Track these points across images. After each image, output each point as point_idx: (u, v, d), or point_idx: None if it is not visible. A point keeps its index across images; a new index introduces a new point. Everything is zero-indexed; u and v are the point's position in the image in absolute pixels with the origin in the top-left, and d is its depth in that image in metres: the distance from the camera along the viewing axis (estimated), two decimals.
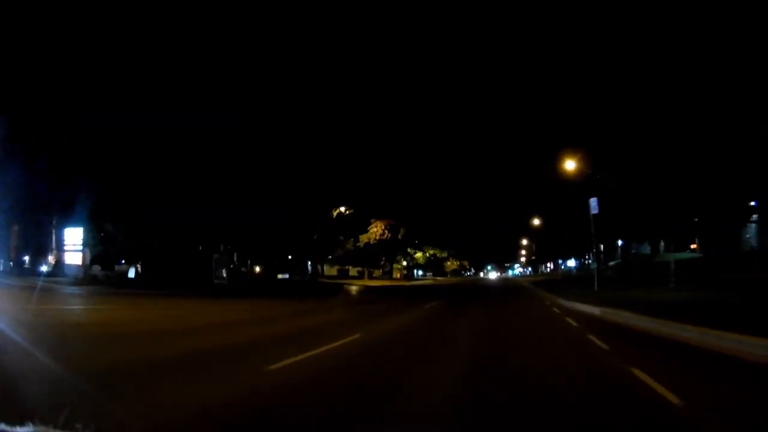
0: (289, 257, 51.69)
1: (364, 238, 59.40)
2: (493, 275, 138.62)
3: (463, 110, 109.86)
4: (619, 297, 18.36)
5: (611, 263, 63.74)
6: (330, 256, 61.09)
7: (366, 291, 36.20)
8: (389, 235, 60.79)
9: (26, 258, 59.75)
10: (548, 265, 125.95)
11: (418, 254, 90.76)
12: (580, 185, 45.90)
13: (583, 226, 54.46)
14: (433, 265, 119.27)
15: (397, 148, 77.69)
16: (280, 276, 52.70)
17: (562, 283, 35.91)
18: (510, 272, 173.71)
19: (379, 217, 59.88)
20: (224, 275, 41.00)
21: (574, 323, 13.83)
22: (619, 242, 75.61)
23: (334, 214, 52.01)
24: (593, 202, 23.51)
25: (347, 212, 52.53)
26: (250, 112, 43.27)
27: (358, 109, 66.01)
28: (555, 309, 18.90)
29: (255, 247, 47.12)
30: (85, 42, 39.23)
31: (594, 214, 23.53)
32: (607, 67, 40.83)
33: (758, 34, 24.45)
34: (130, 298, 25.67)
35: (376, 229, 59.60)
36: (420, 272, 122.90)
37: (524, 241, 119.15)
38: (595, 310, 15.98)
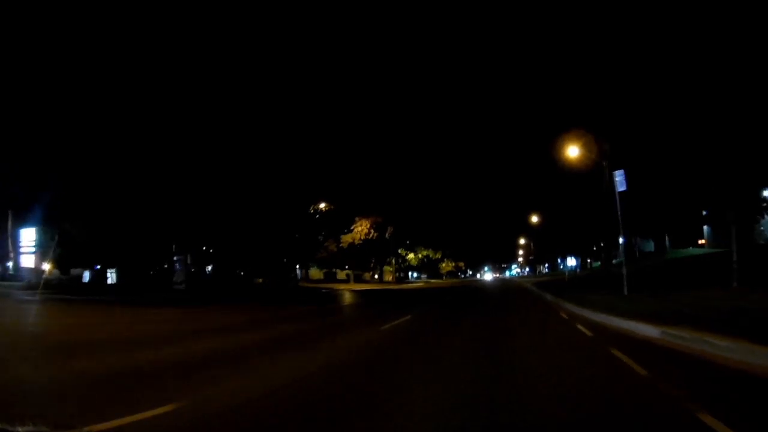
0: (268, 259, 47.73)
1: (347, 238, 55.36)
2: (489, 276, 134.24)
3: (455, 98, 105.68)
4: (675, 305, 13.24)
5: (614, 261, 60.38)
6: (313, 258, 57.08)
7: (343, 296, 32.43)
8: (375, 234, 56.81)
9: None
10: (546, 265, 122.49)
11: (410, 255, 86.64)
12: (584, 175, 42.30)
13: (586, 221, 50.83)
14: (427, 267, 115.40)
15: (383, 139, 73.63)
16: (261, 280, 48.81)
17: (572, 285, 30.77)
18: (507, 273, 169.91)
19: (363, 215, 55.88)
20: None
21: (625, 359, 7.49)
22: (620, 239, 74.18)
23: (314, 210, 48.00)
24: (619, 176, 19.47)
25: (327, 209, 48.46)
26: (219, 98, 39.50)
27: (340, 95, 62.07)
28: (579, 326, 12.43)
29: (226, 249, 43.27)
30: (37, 32, 35.61)
31: (621, 192, 19.43)
32: (612, 47, 37.82)
33: None
34: (54, 304, 22.07)
35: (361, 228, 55.62)
36: (414, 274, 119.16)
37: (522, 241, 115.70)
38: (649, 331, 9.86)
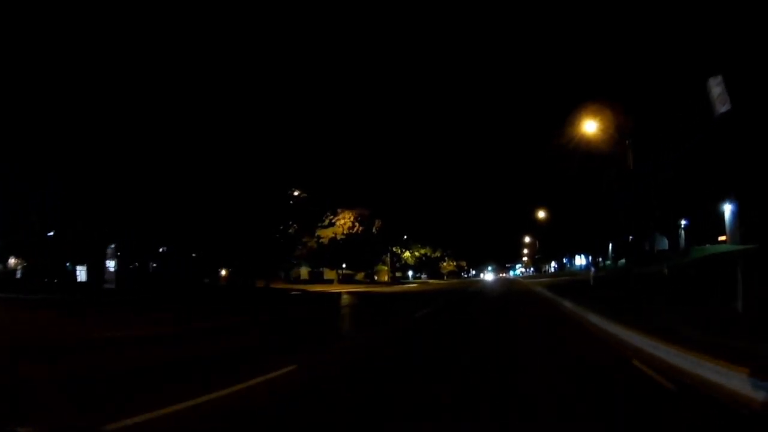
0: (227, 255, 40.98)
1: (327, 233, 48.52)
2: (490, 277, 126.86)
3: (453, 79, 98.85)
4: None
5: (621, 261, 54.35)
6: (290, 255, 50.26)
7: (302, 302, 25.62)
8: (360, 228, 49.90)
9: None
10: (553, 264, 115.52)
11: (406, 254, 79.71)
12: (600, 159, 35.77)
13: (601, 213, 44.04)
14: (426, 267, 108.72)
15: (370, 121, 66.96)
16: (207, 280, 41.59)
17: (603, 291, 21.09)
18: (512, 272, 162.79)
19: (347, 207, 49.09)
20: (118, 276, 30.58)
21: None
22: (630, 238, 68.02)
23: (288, 199, 41.20)
24: (717, 86, 11.95)
25: (301, 197, 41.69)
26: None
27: (321, 70, 55.54)
28: None
29: (172, 241, 36.50)
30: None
31: (723, 113, 11.84)
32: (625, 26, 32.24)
33: None
34: None
35: (344, 221, 48.82)
36: (413, 274, 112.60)
37: (527, 239, 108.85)
38: None
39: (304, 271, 75.81)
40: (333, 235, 48.35)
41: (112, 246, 33.49)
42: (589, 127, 29.63)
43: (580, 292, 19.56)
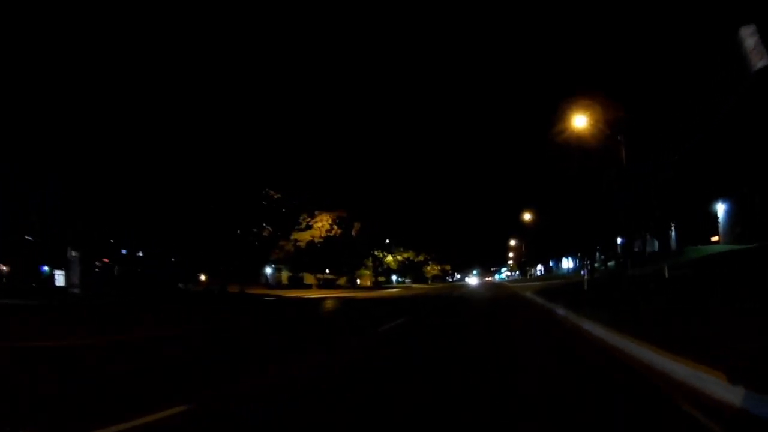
0: (198, 259, 38.10)
1: (305, 236, 45.70)
2: (475, 281, 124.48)
3: (437, 76, 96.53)
4: None
5: (611, 263, 52.34)
6: (266, 259, 47.40)
7: (267, 310, 22.83)
8: (338, 231, 47.22)
9: None
10: (539, 268, 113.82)
11: (388, 258, 77.11)
12: (589, 157, 33.80)
13: (592, 213, 41.97)
14: (411, 271, 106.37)
15: (350, 121, 64.03)
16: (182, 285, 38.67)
17: (600, 295, 18.35)
18: (497, 276, 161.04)
19: (324, 209, 46.33)
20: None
21: None
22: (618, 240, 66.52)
23: (261, 200, 38.37)
24: (747, 36, 9.75)
25: (275, 197, 38.89)
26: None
27: (297, 69, 52.89)
28: None
29: (140, 244, 33.69)
30: None
31: (760, 68, 9.64)
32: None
33: None
34: None
35: (321, 224, 46.08)
36: (397, 278, 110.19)
37: (512, 242, 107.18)
38: None
39: (285, 276, 72.91)
40: (311, 238, 45.57)
41: (74, 253, 30.62)
42: (579, 122, 27.56)
43: (574, 298, 17.12)
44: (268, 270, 70.07)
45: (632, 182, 28.51)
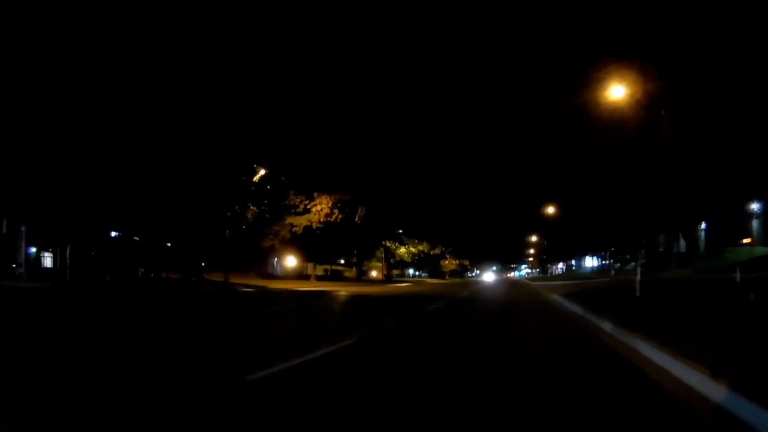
0: (175, 243, 34.33)
1: (301, 221, 41.41)
2: (491, 277, 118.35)
3: (456, 54, 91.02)
4: None
5: (631, 265, 47.42)
6: (257, 247, 43.23)
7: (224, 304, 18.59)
8: (340, 216, 42.58)
9: None
10: (561, 265, 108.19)
11: (401, 250, 72.42)
12: (622, 138, 29.23)
13: (617, 211, 37.45)
14: (427, 264, 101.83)
15: (353, 91, 59.20)
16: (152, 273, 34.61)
17: (686, 313, 10.79)
18: (516, 273, 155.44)
19: (324, 191, 41.84)
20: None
21: None
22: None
23: (253, 179, 34.45)
24: None
25: (266, 175, 34.81)
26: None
27: (301, 39, 48.66)
28: None
29: (105, 224, 29.86)
30: None
31: None
32: None
33: None
34: None
35: (320, 207, 41.66)
36: (413, 272, 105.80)
37: (533, 238, 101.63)
38: None
39: (291, 267, 69.14)
40: (308, 223, 41.30)
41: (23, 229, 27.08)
42: (614, 92, 22.87)
43: (630, 310, 11.94)
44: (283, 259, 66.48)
45: (662, 172, 25.41)
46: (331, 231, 42.46)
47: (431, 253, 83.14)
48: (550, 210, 61.67)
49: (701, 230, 52.09)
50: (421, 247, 74.50)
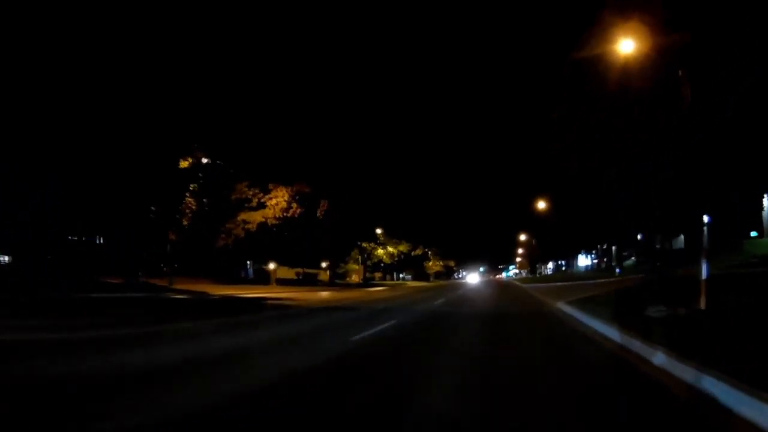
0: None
1: (256, 216, 34.61)
2: (475, 279, 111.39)
3: (440, 42, 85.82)
4: None
5: (627, 263, 46.83)
6: (209, 245, 36.54)
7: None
8: (298, 210, 35.90)
9: None
10: (549, 265, 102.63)
11: (379, 251, 66.08)
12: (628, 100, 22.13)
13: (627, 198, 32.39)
14: (410, 266, 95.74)
15: (312, 66, 52.72)
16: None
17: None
18: (505, 274, 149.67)
19: (280, 182, 35.05)
20: None
21: None
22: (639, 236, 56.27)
23: (184, 164, 28.08)
24: None
25: (203, 159, 28.61)
26: None
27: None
28: None
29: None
30: None
31: None
32: None
33: None
34: None
35: (276, 201, 34.96)
36: (398, 274, 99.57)
37: (522, 237, 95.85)
38: None
39: (288, 271, 62.62)
40: (262, 219, 34.70)
41: None
42: (623, 47, 17.96)
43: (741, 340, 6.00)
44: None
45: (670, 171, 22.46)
46: (294, 229, 35.97)
47: (412, 254, 76.94)
48: (542, 205, 55.72)
49: (704, 226, 47.59)
50: (401, 248, 68.11)
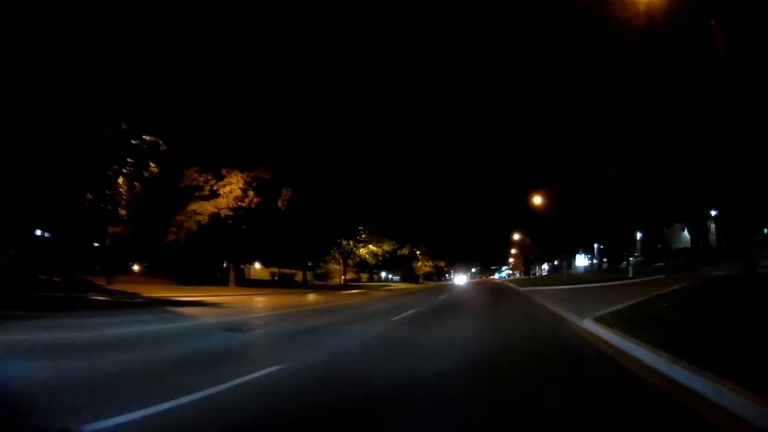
0: None
1: (207, 207, 28.67)
2: (463, 280, 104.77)
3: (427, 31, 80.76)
4: None
5: (631, 261, 43.14)
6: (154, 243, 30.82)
7: None
8: (255, 199, 30.06)
9: None
10: (544, 267, 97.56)
11: (361, 250, 60.44)
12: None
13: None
14: (398, 266, 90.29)
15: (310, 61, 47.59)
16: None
17: None
18: (497, 275, 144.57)
19: (235, 167, 29.25)
20: None
21: None
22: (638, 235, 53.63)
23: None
24: None
25: (150, 141, 23.40)
26: None
27: None
28: None
29: None
30: None
31: None
32: None
33: None
34: None
35: (230, 188, 29.15)
36: (386, 275, 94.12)
37: (516, 236, 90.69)
38: None
39: (256, 270, 57.20)
40: (214, 210, 29.02)
41: None
42: None
43: None
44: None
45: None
46: (253, 222, 30.28)
47: (399, 253, 71.27)
48: (540, 200, 50.39)
49: (711, 222, 43.59)
50: (385, 247, 62.45)
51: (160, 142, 26.59)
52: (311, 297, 26.16)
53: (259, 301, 21.86)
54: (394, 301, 22.15)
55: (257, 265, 58.47)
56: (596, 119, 20.48)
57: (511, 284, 50.90)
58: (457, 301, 22.26)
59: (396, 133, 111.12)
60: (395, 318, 13.56)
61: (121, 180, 25.77)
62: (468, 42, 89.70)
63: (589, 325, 10.01)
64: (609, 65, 18.17)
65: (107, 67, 24.75)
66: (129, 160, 25.79)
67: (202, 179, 29.67)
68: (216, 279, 35.75)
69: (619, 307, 11.85)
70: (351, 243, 56.19)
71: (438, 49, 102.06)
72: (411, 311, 15.72)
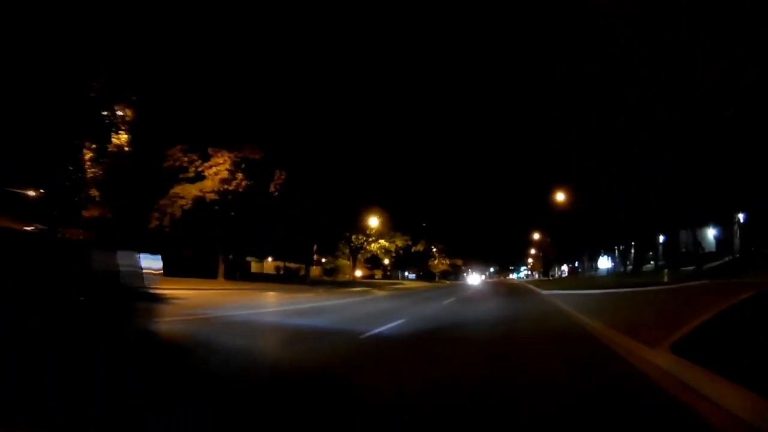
0: None
1: (191, 190, 25.83)
2: (477, 280, 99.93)
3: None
4: None
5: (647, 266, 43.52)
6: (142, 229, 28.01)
7: None
8: (244, 182, 26.98)
9: None
10: (563, 268, 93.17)
11: (373, 245, 57.02)
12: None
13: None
14: (413, 263, 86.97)
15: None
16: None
17: None
18: (515, 275, 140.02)
19: (223, 146, 26.20)
20: None
21: None
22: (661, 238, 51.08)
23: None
24: None
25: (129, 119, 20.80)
26: None
27: None
28: None
29: None
30: None
31: None
32: None
33: None
34: None
35: (217, 169, 26.16)
36: (403, 273, 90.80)
37: (536, 236, 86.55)
38: None
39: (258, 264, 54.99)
40: (199, 194, 26.13)
41: None
42: None
43: None
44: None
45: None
46: (244, 208, 27.25)
47: (413, 249, 67.76)
48: (561, 197, 46.57)
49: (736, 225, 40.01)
50: (398, 242, 58.99)
51: (130, 112, 23.72)
52: (305, 294, 23.04)
53: (227, 299, 18.73)
54: (395, 305, 18.74)
55: (270, 260, 56.06)
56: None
57: (530, 286, 47.08)
58: (459, 311, 18.15)
59: (407, 129, 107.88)
60: (393, 322, 10.19)
61: (87, 155, 23.06)
62: (472, 41, 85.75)
63: (667, 362, 5.65)
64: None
65: (81, 20, 22.17)
66: (94, 129, 23.03)
67: (186, 159, 26.82)
68: (207, 271, 33.02)
69: (695, 324, 8.10)
70: (360, 237, 52.87)
71: (448, 46, 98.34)
72: (389, 325, 12.25)
